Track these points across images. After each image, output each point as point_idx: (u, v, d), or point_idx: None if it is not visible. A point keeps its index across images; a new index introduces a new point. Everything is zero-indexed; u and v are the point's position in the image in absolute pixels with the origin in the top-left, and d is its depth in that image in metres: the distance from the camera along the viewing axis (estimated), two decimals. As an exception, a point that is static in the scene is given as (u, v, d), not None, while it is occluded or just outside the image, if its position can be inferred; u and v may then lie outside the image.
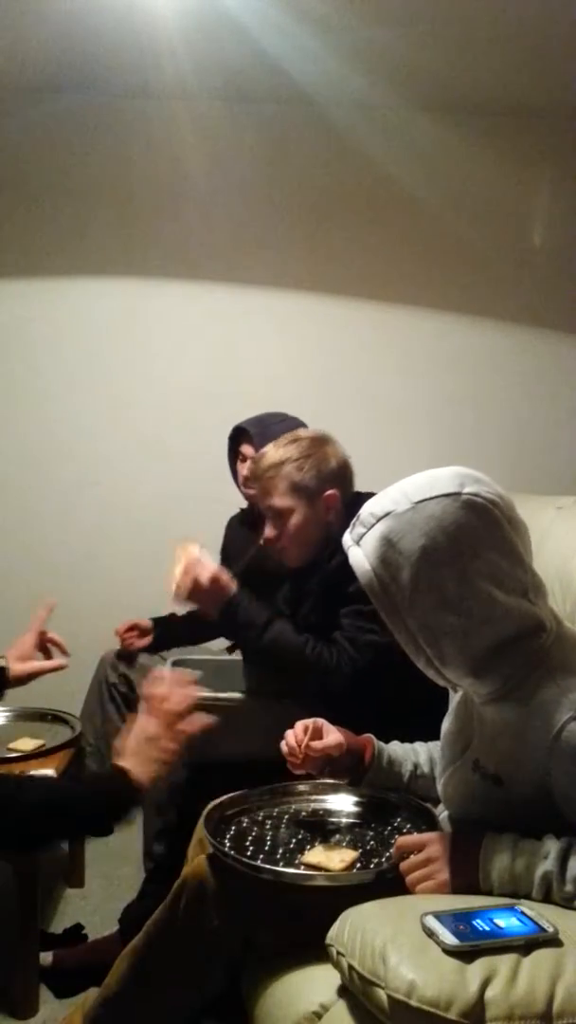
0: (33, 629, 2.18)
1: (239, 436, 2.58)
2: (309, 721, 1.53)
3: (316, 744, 1.50)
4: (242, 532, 2.71)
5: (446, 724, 1.48)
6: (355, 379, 3.31)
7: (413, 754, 1.59)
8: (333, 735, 1.53)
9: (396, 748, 1.60)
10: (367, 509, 1.29)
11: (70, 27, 2.61)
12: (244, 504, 2.70)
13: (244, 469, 2.57)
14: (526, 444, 3.33)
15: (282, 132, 3.22)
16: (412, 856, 1.25)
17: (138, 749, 1.47)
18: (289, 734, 1.53)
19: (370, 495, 1.70)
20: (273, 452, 1.98)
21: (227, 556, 2.68)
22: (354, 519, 1.32)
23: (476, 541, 1.21)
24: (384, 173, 3.20)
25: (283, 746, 1.53)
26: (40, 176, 3.17)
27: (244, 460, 2.58)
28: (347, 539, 1.31)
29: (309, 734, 1.52)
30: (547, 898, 1.15)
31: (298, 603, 2.04)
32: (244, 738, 1.86)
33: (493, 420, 3.34)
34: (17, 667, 2.12)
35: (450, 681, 1.29)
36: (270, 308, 3.27)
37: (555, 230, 3.34)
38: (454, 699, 1.47)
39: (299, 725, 1.53)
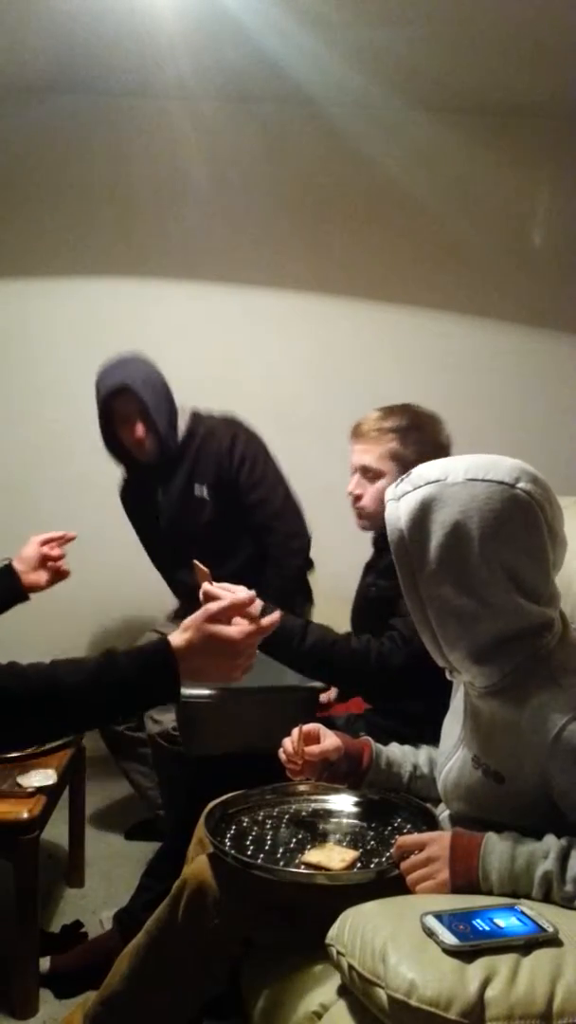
0: (35, 542, 2.13)
1: (112, 395, 2.48)
2: (306, 727, 1.53)
3: (313, 749, 1.51)
4: (133, 491, 2.70)
5: (446, 719, 1.49)
6: (355, 379, 3.31)
7: (412, 755, 1.59)
8: (330, 739, 1.53)
9: (395, 750, 1.60)
10: (419, 470, 1.29)
11: (70, 27, 2.61)
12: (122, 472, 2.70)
13: (135, 431, 2.50)
14: (526, 444, 3.30)
15: (282, 132, 3.22)
16: (412, 856, 1.25)
17: (207, 650, 1.27)
18: (286, 741, 1.53)
19: None
20: (384, 416, 1.98)
21: (145, 524, 2.69)
22: (405, 475, 1.32)
23: (510, 535, 1.22)
24: (384, 173, 3.20)
25: (281, 753, 1.53)
26: (40, 176, 3.17)
27: (126, 420, 2.50)
28: (390, 491, 1.31)
29: (305, 739, 1.52)
30: (547, 898, 1.15)
31: (367, 570, 2.06)
32: (247, 732, 1.86)
33: (493, 420, 3.34)
34: (29, 576, 2.09)
35: (449, 663, 1.31)
36: (270, 308, 3.27)
37: (555, 230, 3.34)
38: (455, 695, 1.48)
39: (295, 731, 1.53)
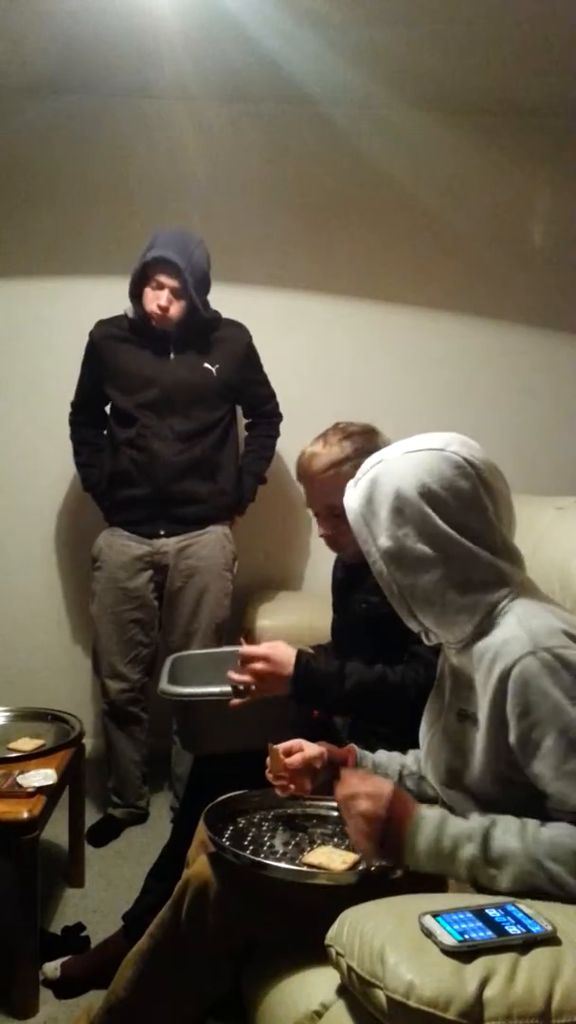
0: None
1: (158, 265, 2.65)
2: (285, 744, 1.54)
3: (295, 758, 1.51)
4: (124, 346, 2.80)
5: (430, 698, 1.51)
6: (355, 379, 3.31)
7: (400, 757, 1.60)
8: (313, 748, 1.54)
9: (381, 754, 1.61)
10: (369, 459, 1.42)
11: (70, 27, 2.61)
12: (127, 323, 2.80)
13: (162, 298, 2.66)
14: (526, 444, 3.33)
15: (282, 132, 3.22)
16: (352, 798, 1.28)
17: None
18: (269, 760, 1.53)
19: None
20: (326, 452, 1.93)
21: (103, 363, 2.80)
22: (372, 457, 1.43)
23: (445, 490, 1.32)
24: (384, 173, 3.20)
25: (267, 773, 1.53)
26: (40, 176, 3.17)
27: (161, 288, 2.66)
28: (350, 483, 1.44)
29: (285, 755, 1.52)
30: (475, 882, 1.18)
31: (347, 591, 2.04)
32: (249, 731, 1.86)
33: (493, 420, 3.34)
34: None
35: (423, 625, 1.37)
36: (270, 308, 3.27)
37: (555, 230, 3.34)
38: (439, 671, 1.50)
39: (279, 747, 1.53)
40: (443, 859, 1.20)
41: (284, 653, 1.74)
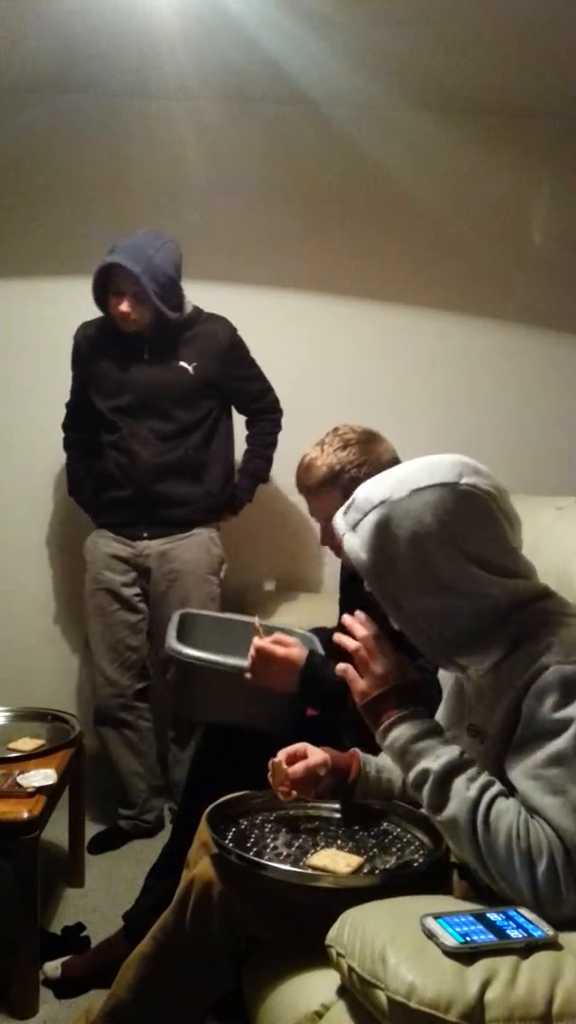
0: None
1: (112, 270, 2.60)
2: (290, 748, 1.53)
3: (298, 767, 1.50)
4: (102, 349, 2.78)
5: (440, 711, 1.49)
6: (355, 379, 3.31)
7: None
8: (318, 754, 1.53)
9: (384, 758, 1.59)
10: (363, 494, 1.32)
11: (70, 27, 2.61)
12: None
13: (124, 304, 2.62)
14: (526, 444, 3.33)
15: (282, 132, 3.21)
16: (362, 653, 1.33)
17: None
18: (276, 759, 1.52)
19: None
20: (323, 461, 1.89)
21: (98, 371, 2.77)
22: (348, 502, 1.34)
23: (469, 530, 1.26)
24: (384, 173, 3.20)
25: (269, 777, 1.52)
26: (40, 176, 3.17)
27: (122, 294, 2.62)
28: (341, 523, 1.35)
29: (291, 758, 1.52)
30: (416, 791, 1.23)
31: (356, 589, 2.01)
32: (258, 703, 1.85)
33: (493, 420, 3.34)
34: None
35: (451, 660, 1.33)
36: (270, 308, 3.27)
37: (555, 230, 3.34)
38: (446, 687, 1.49)
39: (281, 754, 1.52)
40: (403, 755, 1.26)
41: (297, 655, 1.75)
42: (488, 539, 1.27)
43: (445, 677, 1.50)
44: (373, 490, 1.31)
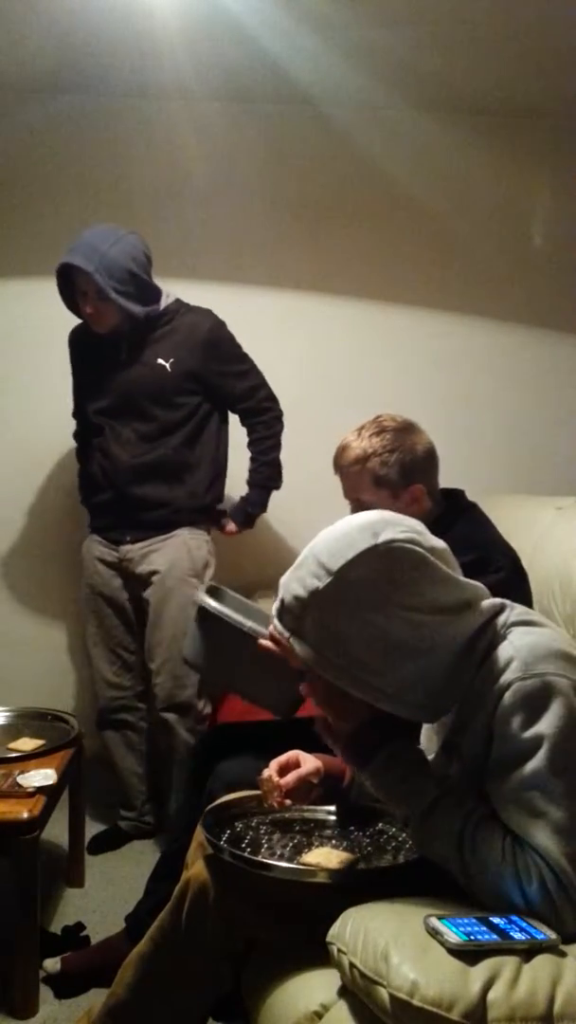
0: None
1: (70, 271, 2.54)
2: (282, 758, 1.52)
3: (289, 778, 1.49)
4: (86, 351, 2.74)
5: (423, 731, 1.47)
6: (355, 379, 3.31)
7: None
8: (310, 762, 1.52)
9: None
10: (290, 593, 1.26)
11: (70, 27, 2.61)
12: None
13: (87, 306, 2.57)
14: (526, 444, 3.33)
15: (282, 132, 3.21)
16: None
17: None
18: (265, 773, 1.52)
19: (454, 491, 1.88)
20: (357, 444, 1.92)
21: (82, 374, 2.74)
22: (278, 605, 1.28)
23: (405, 584, 1.21)
24: (384, 173, 3.20)
25: (259, 783, 1.52)
26: (40, 176, 3.17)
27: (85, 295, 2.56)
28: (281, 629, 1.28)
29: (284, 767, 1.51)
30: (404, 829, 1.23)
31: None
32: (267, 676, 1.84)
33: (493, 420, 3.34)
34: None
35: (448, 709, 1.29)
36: (270, 308, 3.27)
37: (555, 230, 3.34)
38: None
39: (274, 764, 1.51)
40: (390, 794, 1.24)
41: None
42: (427, 583, 1.22)
43: None
44: (297, 585, 1.25)
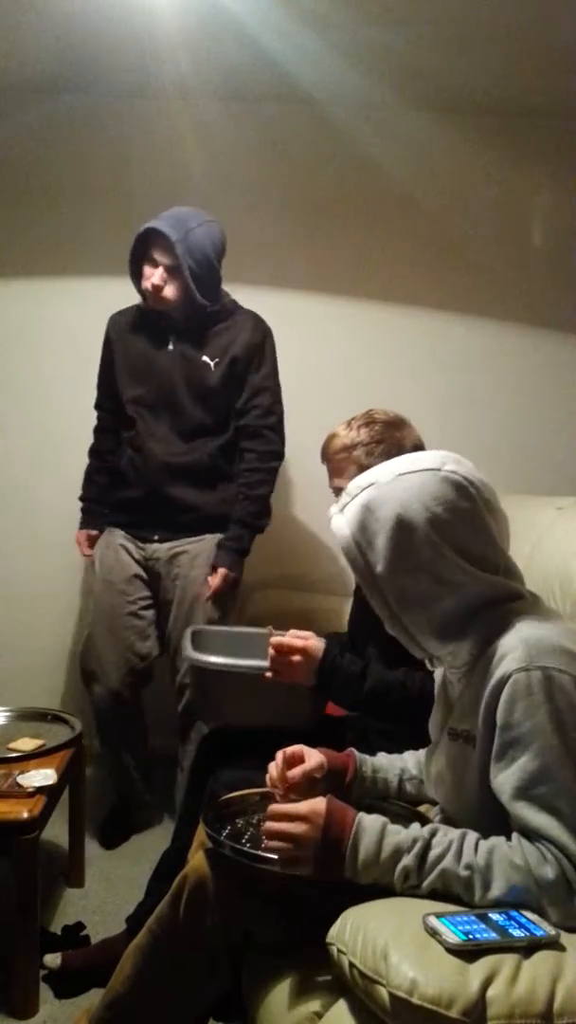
0: None
1: (150, 237, 2.52)
2: (288, 749, 1.52)
3: (295, 772, 1.49)
4: (131, 336, 2.70)
5: (431, 718, 1.50)
6: (355, 379, 3.31)
7: (400, 761, 1.59)
8: (314, 758, 1.52)
9: (381, 758, 1.60)
10: (354, 481, 1.36)
11: (70, 27, 2.61)
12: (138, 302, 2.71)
13: (156, 276, 2.53)
14: (526, 444, 3.33)
15: (282, 132, 3.22)
16: (279, 827, 1.25)
17: None
18: (271, 766, 1.52)
19: None
20: (345, 434, 1.96)
21: (114, 358, 2.70)
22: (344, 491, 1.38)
23: (450, 513, 1.28)
24: (384, 173, 3.20)
25: (267, 779, 1.52)
26: (40, 176, 3.17)
27: (156, 265, 2.53)
28: (332, 509, 1.38)
29: (289, 761, 1.51)
30: (405, 891, 1.18)
31: None
32: (262, 706, 1.89)
33: (493, 420, 3.34)
34: None
35: (425, 651, 1.34)
36: (270, 308, 3.26)
37: (555, 230, 3.34)
38: (438, 691, 1.49)
39: (279, 755, 1.51)
40: (382, 871, 1.19)
41: (314, 646, 1.79)
42: (468, 528, 1.28)
43: (436, 680, 1.50)
44: (363, 477, 1.35)
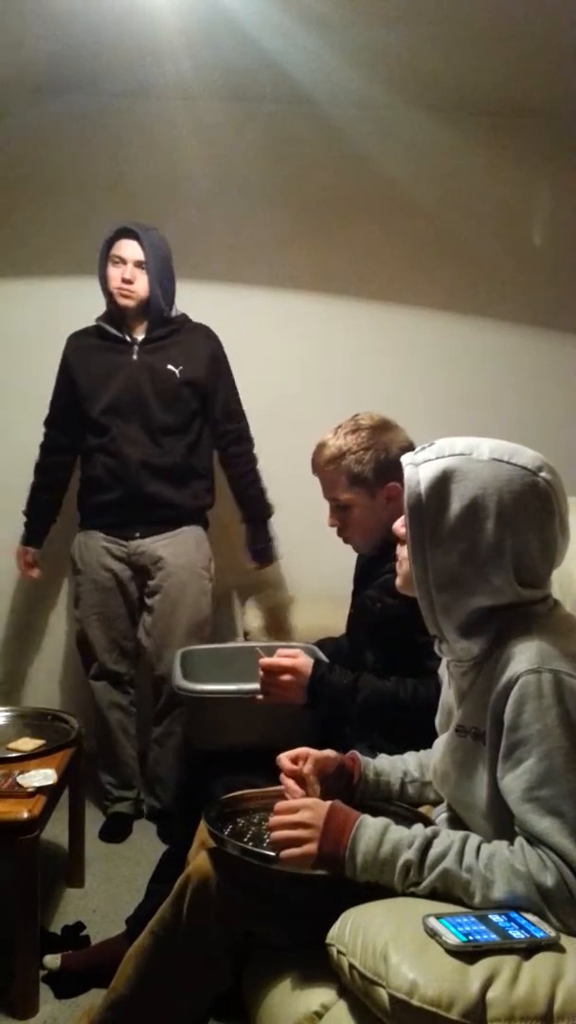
0: None
1: (113, 241, 2.71)
2: (293, 752, 1.52)
3: (310, 763, 1.48)
4: (90, 354, 2.81)
5: (437, 716, 1.50)
6: (355, 379, 3.31)
7: (401, 763, 1.59)
8: (322, 752, 1.52)
9: (383, 760, 1.59)
10: (444, 441, 1.33)
11: (70, 27, 2.61)
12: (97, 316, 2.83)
13: (125, 271, 2.69)
14: (526, 444, 3.31)
15: (282, 132, 3.21)
16: (284, 816, 1.27)
17: None
18: (283, 759, 1.51)
19: None
20: (333, 443, 1.95)
21: (75, 379, 2.80)
22: (427, 443, 1.34)
23: (526, 521, 1.25)
24: (384, 173, 3.20)
25: (283, 779, 1.51)
26: (40, 176, 3.17)
27: (123, 263, 2.70)
28: (409, 456, 1.34)
29: (293, 762, 1.50)
30: (406, 890, 1.18)
31: (364, 583, 2.04)
32: (253, 728, 1.88)
33: (493, 420, 3.33)
34: None
35: (440, 631, 1.32)
36: (270, 308, 3.27)
37: (555, 230, 3.34)
38: (444, 686, 1.49)
39: (284, 758, 1.50)
40: (382, 866, 1.19)
41: (304, 664, 1.78)
42: (537, 538, 1.26)
43: (443, 674, 1.50)
44: (456, 442, 1.32)
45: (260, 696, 1.80)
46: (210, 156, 3.18)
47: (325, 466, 1.96)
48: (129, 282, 2.69)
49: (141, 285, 2.70)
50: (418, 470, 1.30)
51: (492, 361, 3.36)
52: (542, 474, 1.27)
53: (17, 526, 3.24)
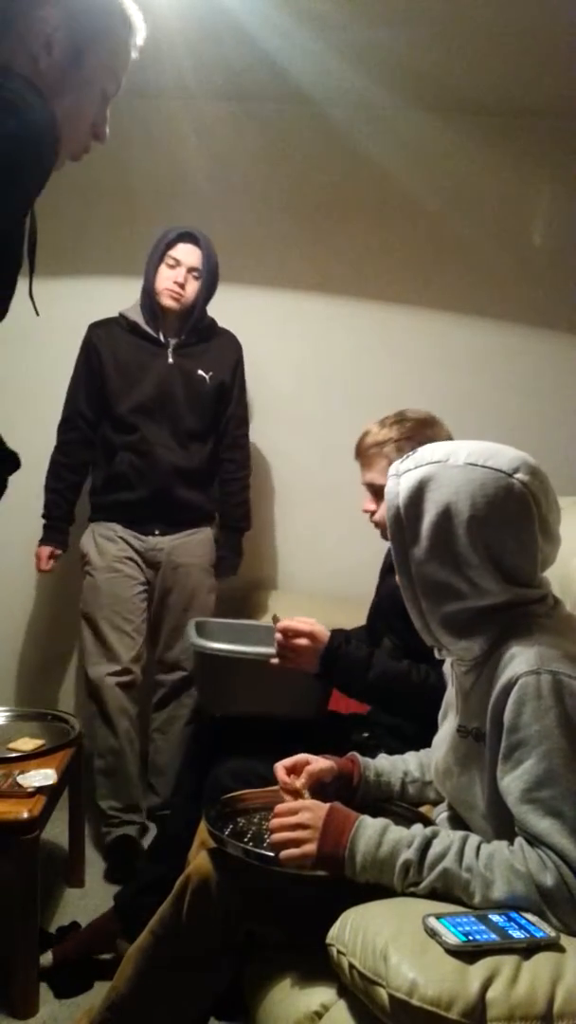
0: None
1: (178, 239, 2.74)
2: (290, 761, 1.52)
3: (301, 779, 1.48)
4: (119, 346, 2.81)
5: (440, 713, 1.51)
6: (355, 379, 3.31)
7: (402, 763, 1.60)
8: (321, 761, 1.52)
9: (383, 761, 1.60)
10: (423, 450, 1.35)
11: (70, 27, 2.61)
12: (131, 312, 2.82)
13: (179, 275, 2.72)
14: (526, 444, 3.26)
15: (282, 132, 3.21)
16: (284, 818, 1.28)
17: None
18: (278, 767, 1.50)
19: None
20: (377, 431, 2.00)
21: (103, 367, 2.80)
22: (411, 452, 1.37)
23: (499, 523, 1.25)
24: (383, 173, 3.20)
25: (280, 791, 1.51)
26: (40, 176, 3.17)
27: (178, 265, 2.73)
28: (393, 467, 1.36)
29: (292, 771, 1.50)
30: (406, 890, 1.18)
31: (389, 571, 2.07)
32: (269, 694, 1.90)
33: (493, 420, 3.33)
34: None
35: (437, 640, 1.34)
36: (270, 308, 3.27)
37: (555, 230, 3.34)
38: (449, 687, 1.49)
39: (280, 768, 1.50)
40: (382, 866, 1.19)
41: (321, 631, 1.81)
42: (514, 539, 1.26)
43: (447, 674, 1.51)
44: (434, 450, 1.33)
45: (275, 660, 1.81)
46: (210, 156, 3.18)
47: (368, 449, 2.01)
48: (181, 286, 2.72)
49: (191, 291, 2.74)
50: (399, 481, 1.32)
51: (492, 361, 3.36)
52: (517, 475, 1.26)
53: (17, 526, 3.25)
